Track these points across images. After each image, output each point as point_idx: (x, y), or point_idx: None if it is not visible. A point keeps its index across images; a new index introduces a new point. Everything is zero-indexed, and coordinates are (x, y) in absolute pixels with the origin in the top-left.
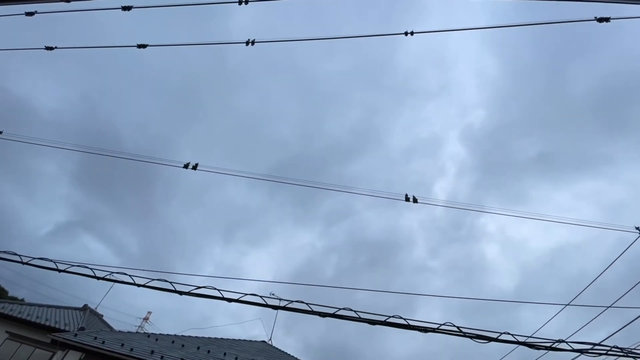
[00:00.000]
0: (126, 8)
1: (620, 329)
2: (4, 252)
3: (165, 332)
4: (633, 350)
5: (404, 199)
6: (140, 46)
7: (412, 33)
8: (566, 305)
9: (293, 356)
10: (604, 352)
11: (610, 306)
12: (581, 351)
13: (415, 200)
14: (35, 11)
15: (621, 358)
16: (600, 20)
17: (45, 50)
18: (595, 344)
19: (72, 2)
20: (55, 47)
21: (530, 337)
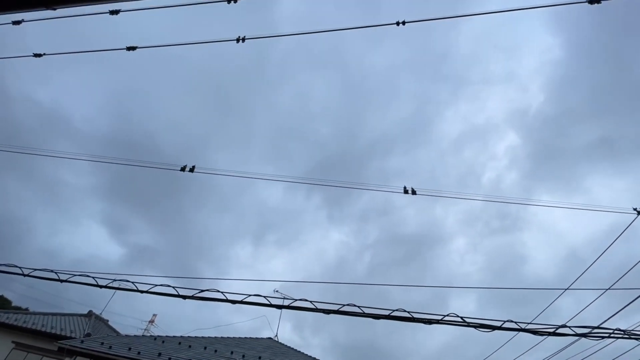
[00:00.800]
0: (114, 12)
1: (620, 310)
2: (5, 264)
3: (171, 334)
4: (635, 331)
5: (402, 191)
6: (129, 48)
7: (403, 23)
8: (565, 289)
9: (299, 351)
10: (606, 334)
11: (608, 288)
12: (584, 335)
13: (414, 192)
14: (22, 19)
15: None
16: None
17: (34, 57)
18: (596, 327)
19: (58, 10)
20: (44, 54)
21: (531, 322)
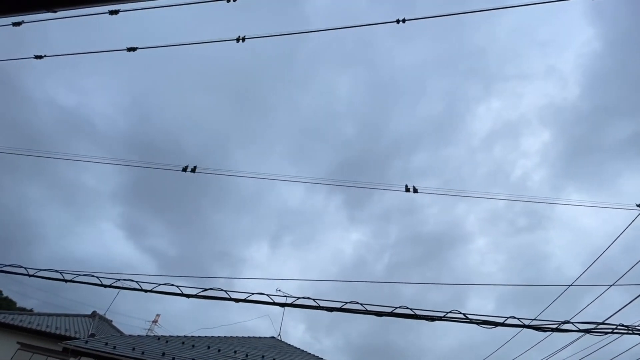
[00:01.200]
0: (113, 12)
1: (624, 307)
2: (10, 265)
3: (175, 334)
4: (638, 327)
5: (404, 189)
6: (130, 49)
7: (404, 20)
8: (569, 286)
9: (303, 350)
10: (610, 330)
11: (612, 284)
12: (587, 331)
13: (415, 191)
14: (22, 21)
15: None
16: None
17: (35, 59)
18: (600, 323)
19: (58, 12)
20: (45, 56)
21: (535, 319)
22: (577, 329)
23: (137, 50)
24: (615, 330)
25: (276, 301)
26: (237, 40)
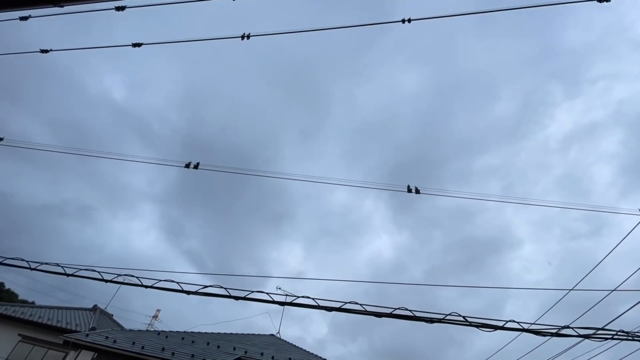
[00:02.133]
0: (120, 8)
1: (623, 313)
2: (13, 258)
3: (175, 329)
4: (638, 334)
5: (406, 190)
6: (135, 45)
7: (409, 20)
8: (570, 290)
9: (302, 348)
10: (609, 336)
11: (614, 290)
12: (586, 336)
13: (417, 192)
14: (29, 15)
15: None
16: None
17: (40, 53)
18: (599, 329)
19: (65, 7)
20: (50, 50)
21: (534, 323)
22: (576, 334)
23: (142, 45)
24: (615, 336)
25: (275, 299)
26: (242, 37)
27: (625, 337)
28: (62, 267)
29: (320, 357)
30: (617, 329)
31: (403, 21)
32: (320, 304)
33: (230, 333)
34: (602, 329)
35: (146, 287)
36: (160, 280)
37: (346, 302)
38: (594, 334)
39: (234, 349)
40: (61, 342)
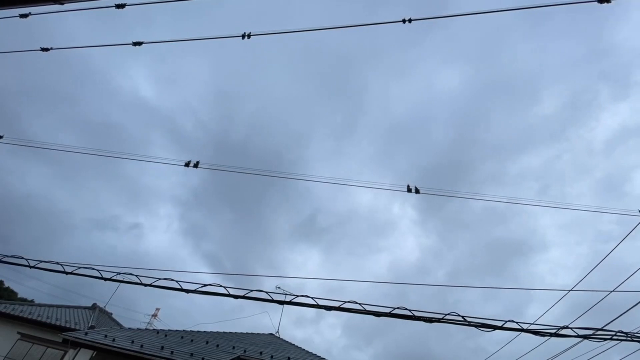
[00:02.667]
0: (120, 6)
1: (623, 313)
2: (12, 256)
3: (174, 328)
4: (637, 334)
5: (405, 190)
6: (135, 44)
7: (409, 20)
8: (568, 291)
9: (300, 347)
10: (609, 337)
11: (613, 290)
12: (586, 337)
13: (417, 191)
14: (30, 13)
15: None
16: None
17: (41, 52)
18: (599, 329)
19: (66, 4)
20: (51, 48)
21: (534, 323)
22: (575, 334)
23: (143, 44)
24: (614, 337)
25: (275, 298)
26: (243, 36)
27: (624, 338)
28: (61, 265)
29: (320, 357)
30: (617, 330)
31: (404, 21)
32: (320, 303)
33: (229, 332)
34: (602, 329)
35: (145, 285)
36: (160, 279)
37: (345, 302)
38: (593, 335)
39: (233, 347)
40: (60, 340)
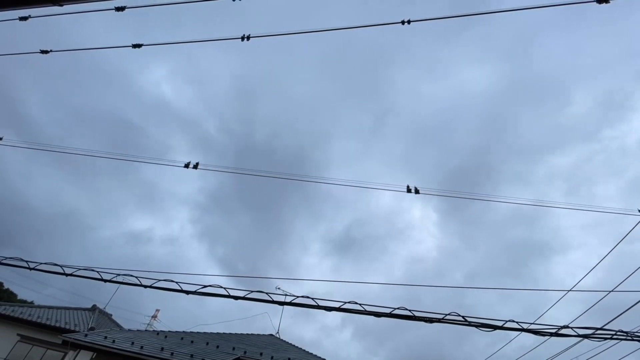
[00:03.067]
0: (119, 9)
1: (623, 313)
2: (11, 258)
3: (174, 329)
4: (637, 333)
5: (405, 190)
6: (135, 46)
7: (409, 22)
8: (568, 291)
9: (300, 348)
10: (609, 336)
11: (611, 291)
12: (586, 336)
13: (417, 192)
14: (29, 15)
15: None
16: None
17: (40, 54)
18: (599, 329)
19: (65, 6)
20: (51, 51)
21: (534, 323)
22: (575, 334)
23: (142, 47)
24: (615, 336)
25: (275, 299)
26: (242, 38)
27: (624, 337)
28: (61, 267)
29: (320, 357)
30: (617, 329)
31: (403, 22)
32: (320, 304)
33: (230, 333)
34: (602, 328)
35: (145, 286)
36: (160, 280)
37: (345, 302)
38: (593, 334)
39: (233, 349)
40: (60, 342)
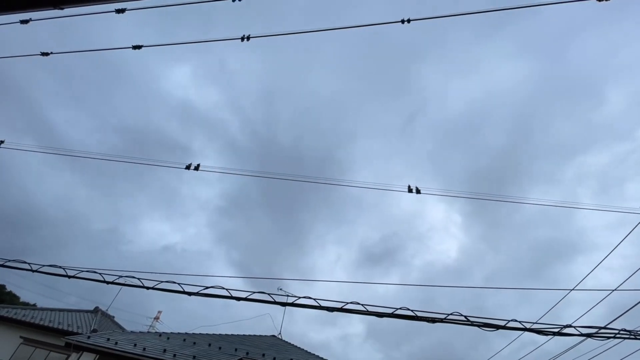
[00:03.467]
0: (120, 11)
1: (626, 312)
2: (14, 260)
3: (176, 331)
4: None
5: (406, 190)
6: (135, 47)
7: (408, 21)
8: (571, 290)
9: (303, 349)
10: (612, 335)
11: (615, 289)
12: (589, 335)
13: (418, 192)
14: (30, 19)
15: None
16: None
17: (41, 56)
18: (602, 328)
19: (65, 9)
20: (51, 53)
21: (537, 322)
22: (578, 333)
23: (143, 47)
24: (618, 335)
25: (277, 300)
26: (242, 39)
27: (627, 336)
28: (63, 269)
29: (322, 358)
30: (620, 328)
31: (402, 21)
32: (322, 305)
33: (232, 334)
34: (605, 327)
35: (147, 288)
36: (162, 282)
37: (348, 302)
38: (596, 333)
39: (236, 350)
40: (63, 344)
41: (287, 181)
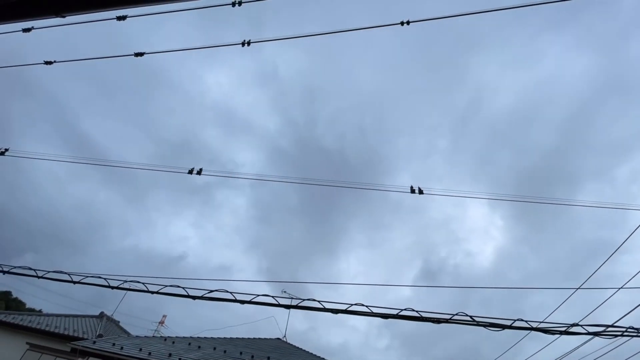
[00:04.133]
0: (121, 18)
1: (634, 309)
2: (20, 267)
3: (181, 335)
4: None
5: (409, 190)
6: (137, 54)
7: (408, 22)
8: (577, 289)
9: (308, 352)
10: (620, 333)
11: (620, 288)
12: (596, 334)
13: (421, 192)
14: (32, 27)
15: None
16: None
17: (45, 65)
18: (609, 326)
19: (67, 17)
20: (54, 62)
21: (543, 322)
22: (585, 331)
23: (144, 55)
24: (625, 333)
25: (281, 303)
26: (242, 44)
27: (636, 334)
28: (68, 274)
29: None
30: (627, 326)
31: (402, 23)
32: (327, 307)
33: (237, 338)
34: (612, 325)
35: (152, 292)
36: (166, 286)
37: (352, 304)
38: (603, 331)
39: (241, 353)
40: (69, 349)
41: (317, 186)
